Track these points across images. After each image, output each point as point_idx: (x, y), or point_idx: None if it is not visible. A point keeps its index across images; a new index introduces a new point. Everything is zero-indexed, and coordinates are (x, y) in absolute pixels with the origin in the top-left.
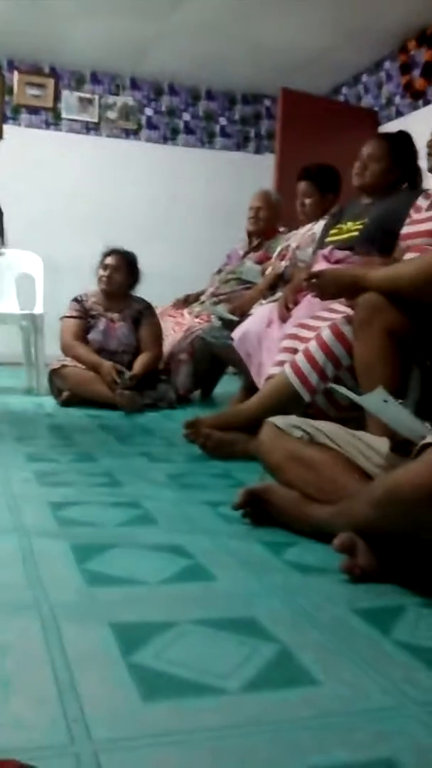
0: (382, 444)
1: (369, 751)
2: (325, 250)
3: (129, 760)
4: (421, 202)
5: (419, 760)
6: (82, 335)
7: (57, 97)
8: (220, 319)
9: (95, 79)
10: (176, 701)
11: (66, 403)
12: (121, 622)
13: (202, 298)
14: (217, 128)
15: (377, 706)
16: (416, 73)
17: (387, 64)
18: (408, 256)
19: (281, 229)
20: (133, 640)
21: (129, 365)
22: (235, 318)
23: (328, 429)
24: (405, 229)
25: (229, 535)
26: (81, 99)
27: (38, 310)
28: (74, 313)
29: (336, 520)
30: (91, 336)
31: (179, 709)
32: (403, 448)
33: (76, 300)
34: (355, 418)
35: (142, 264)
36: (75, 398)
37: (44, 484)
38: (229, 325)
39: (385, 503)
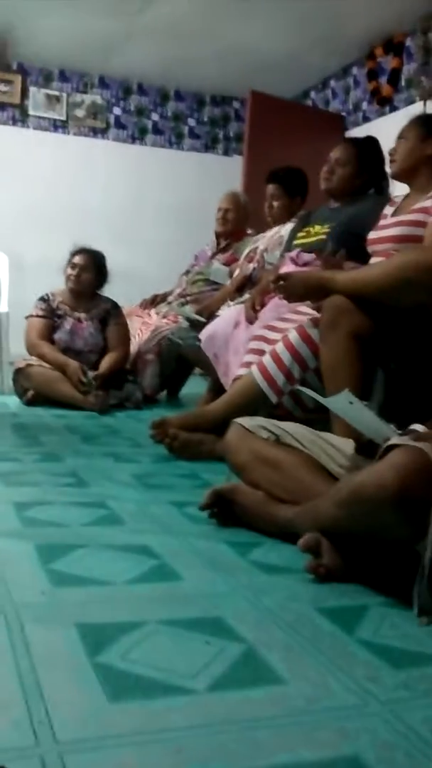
0: (347, 445)
1: (333, 750)
2: (293, 253)
3: (94, 761)
4: (387, 209)
5: (382, 757)
6: (48, 334)
7: (24, 94)
8: (188, 320)
9: (63, 76)
10: (142, 701)
11: (31, 403)
12: (86, 622)
13: (170, 298)
14: (186, 129)
15: (341, 704)
16: (383, 79)
17: (355, 70)
18: (374, 260)
19: (249, 231)
20: (99, 640)
21: (95, 365)
22: (202, 319)
23: (294, 430)
24: (371, 235)
25: (195, 536)
26: (49, 96)
27: (3, 308)
28: (40, 312)
29: (301, 520)
30: (58, 335)
31: (145, 709)
32: (367, 449)
33: (42, 299)
34: (320, 419)
35: (110, 263)
36: (40, 398)
37: (8, 483)
38: (197, 326)
39: (349, 504)
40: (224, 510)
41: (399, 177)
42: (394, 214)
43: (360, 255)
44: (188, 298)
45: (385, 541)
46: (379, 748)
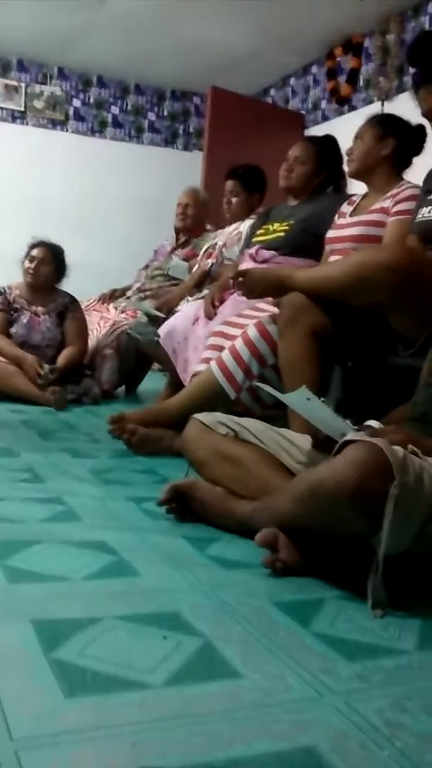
0: (305, 441)
1: (289, 741)
2: (252, 250)
3: (50, 758)
4: (345, 208)
5: (337, 747)
6: (5, 328)
7: None
8: (146, 315)
9: (22, 66)
10: (99, 697)
11: None
12: (43, 618)
13: (128, 293)
14: (146, 123)
15: (297, 696)
16: (342, 79)
17: (314, 69)
18: (333, 259)
19: (208, 227)
20: (56, 636)
21: (53, 360)
22: (161, 314)
23: (252, 426)
24: (330, 233)
25: (153, 531)
26: (7, 86)
27: None
28: None
29: (259, 516)
30: (14, 329)
31: (102, 704)
32: (324, 445)
33: None
34: (279, 415)
35: (68, 257)
36: None
37: None
38: (156, 321)
39: (307, 499)
40: (182, 505)
41: (356, 176)
42: (352, 214)
43: (317, 253)
44: (147, 293)
45: (342, 535)
46: (333, 738)
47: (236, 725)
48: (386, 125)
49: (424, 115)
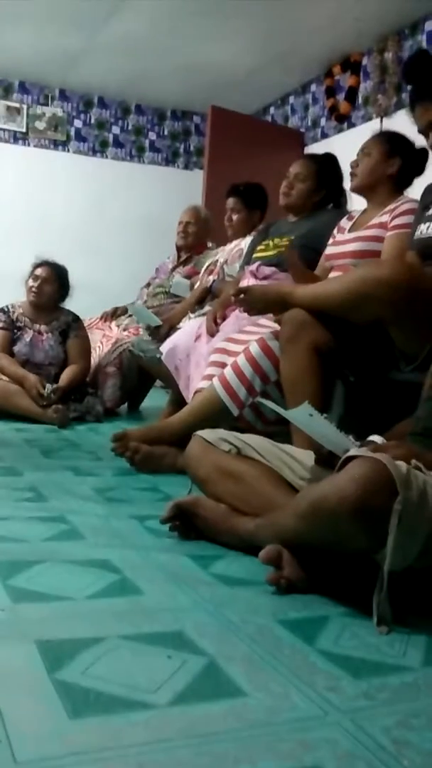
0: (308, 457)
1: (294, 761)
2: (252, 266)
3: None
4: (344, 223)
5: (343, 767)
6: (7, 347)
7: None
8: (147, 327)
9: (23, 88)
10: (104, 717)
11: None
12: (47, 638)
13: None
14: (147, 143)
15: (302, 715)
16: (341, 96)
17: (313, 87)
18: (333, 275)
19: (210, 244)
20: (60, 656)
21: (56, 378)
22: (157, 321)
23: (255, 442)
24: (329, 250)
25: (156, 549)
26: (8, 108)
27: None
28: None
29: (262, 533)
30: (17, 348)
31: (107, 725)
32: (327, 461)
33: (1, 311)
34: (281, 431)
35: (70, 276)
36: None
37: None
38: (155, 336)
39: (310, 515)
40: (186, 523)
41: (359, 191)
42: (351, 230)
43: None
44: (149, 311)
45: (345, 551)
46: (340, 758)
47: (242, 745)
48: (394, 144)
49: (421, 131)
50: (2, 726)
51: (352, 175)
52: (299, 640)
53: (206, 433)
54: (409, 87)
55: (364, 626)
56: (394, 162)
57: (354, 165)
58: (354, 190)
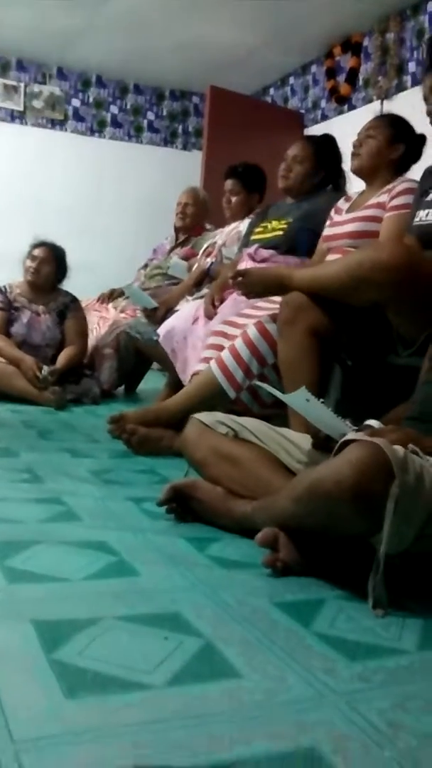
0: (305, 440)
1: (291, 742)
2: (251, 249)
3: (52, 759)
4: (342, 204)
5: (339, 748)
6: (4, 327)
7: None
8: (143, 309)
9: (21, 66)
10: (100, 698)
11: None
12: (43, 619)
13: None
14: (145, 123)
15: (298, 697)
16: (341, 78)
17: (314, 68)
18: (330, 257)
19: (208, 226)
20: (56, 637)
21: (53, 359)
22: (153, 303)
23: (252, 425)
24: (326, 231)
25: (153, 531)
26: (6, 86)
27: None
28: None
29: (259, 515)
30: (14, 329)
31: (103, 705)
32: (324, 444)
33: None
34: (278, 414)
35: (68, 257)
36: None
37: None
38: (150, 315)
39: (306, 498)
40: (182, 505)
41: (360, 173)
42: (349, 210)
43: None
44: (146, 293)
45: (342, 535)
46: (335, 739)
47: (237, 726)
48: (399, 130)
49: (425, 98)
50: None
51: (355, 155)
52: (295, 623)
53: (203, 416)
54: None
55: (360, 609)
56: (398, 147)
57: (357, 145)
58: (355, 171)
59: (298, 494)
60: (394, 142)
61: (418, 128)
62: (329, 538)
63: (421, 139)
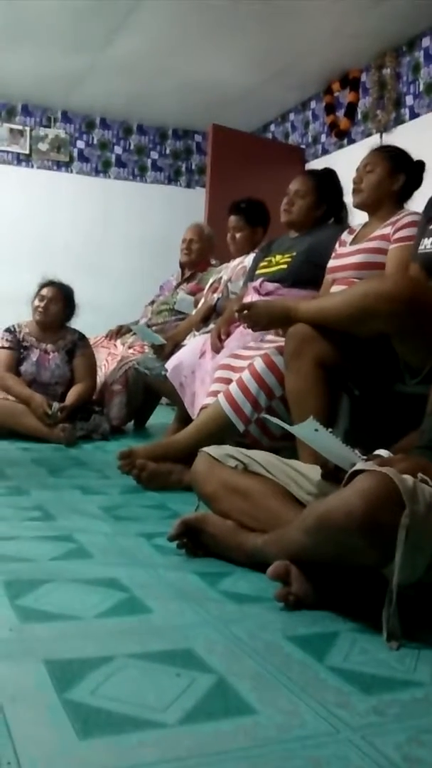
0: (314, 472)
1: None
2: (256, 282)
3: None
4: (345, 236)
5: None
6: (14, 366)
7: None
8: (151, 345)
9: (26, 110)
10: (113, 737)
11: None
12: (55, 658)
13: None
14: (149, 162)
15: (312, 732)
16: (340, 113)
17: (313, 104)
18: (335, 288)
19: (213, 261)
20: (69, 676)
21: (62, 397)
22: (161, 339)
23: (261, 458)
24: (331, 263)
25: (164, 567)
26: (12, 130)
27: None
28: (5, 344)
29: (270, 549)
30: (24, 367)
31: (116, 745)
32: (334, 475)
33: (8, 330)
34: (287, 446)
35: (76, 295)
36: (3, 431)
37: None
38: (158, 350)
39: (317, 530)
40: (193, 540)
41: (363, 207)
42: (353, 242)
43: (320, 284)
44: (153, 328)
45: (353, 566)
46: None
47: (252, 763)
48: (397, 161)
49: None
50: (12, 747)
51: (356, 191)
52: (309, 657)
53: (212, 450)
54: None
55: (374, 642)
56: (398, 178)
57: (357, 181)
58: (359, 205)
59: (309, 526)
60: (395, 173)
61: (417, 158)
62: (341, 569)
63: (421, 166)
